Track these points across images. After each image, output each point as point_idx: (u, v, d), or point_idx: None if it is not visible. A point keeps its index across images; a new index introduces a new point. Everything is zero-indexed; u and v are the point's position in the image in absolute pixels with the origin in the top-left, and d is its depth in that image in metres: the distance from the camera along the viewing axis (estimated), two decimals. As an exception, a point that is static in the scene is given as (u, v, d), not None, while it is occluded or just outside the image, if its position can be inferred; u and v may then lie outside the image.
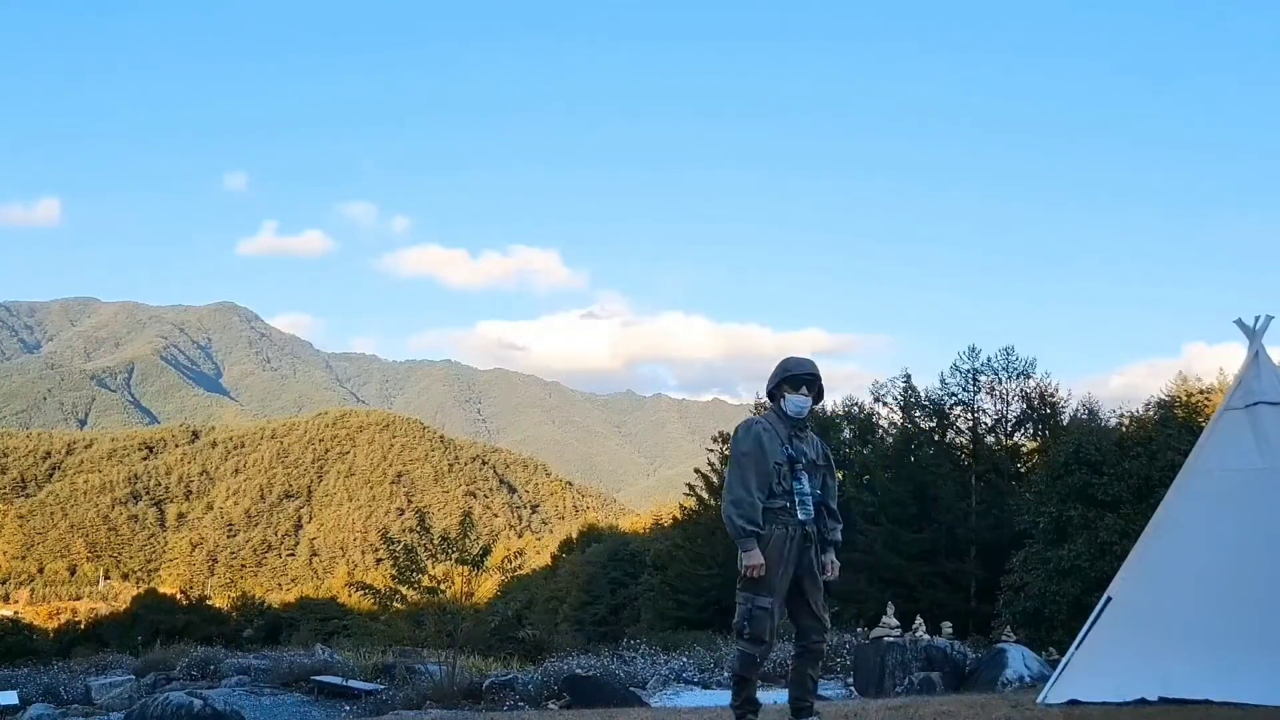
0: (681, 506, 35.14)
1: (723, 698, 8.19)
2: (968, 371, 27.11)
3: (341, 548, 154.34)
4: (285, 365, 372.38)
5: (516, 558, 14.89)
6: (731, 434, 4.71)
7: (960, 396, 27.10)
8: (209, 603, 49.54)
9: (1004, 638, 10.41)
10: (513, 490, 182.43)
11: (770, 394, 4.44)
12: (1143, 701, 4.84)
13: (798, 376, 4.37)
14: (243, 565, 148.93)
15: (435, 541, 10.14)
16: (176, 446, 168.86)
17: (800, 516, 4.19)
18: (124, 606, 49.55)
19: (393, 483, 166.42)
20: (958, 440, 27.18)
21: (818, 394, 4.44)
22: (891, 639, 8.99)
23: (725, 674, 10.42)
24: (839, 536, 4.41)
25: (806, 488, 4.23)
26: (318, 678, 10.39)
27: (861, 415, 29.92)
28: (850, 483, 27.16)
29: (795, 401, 4.33)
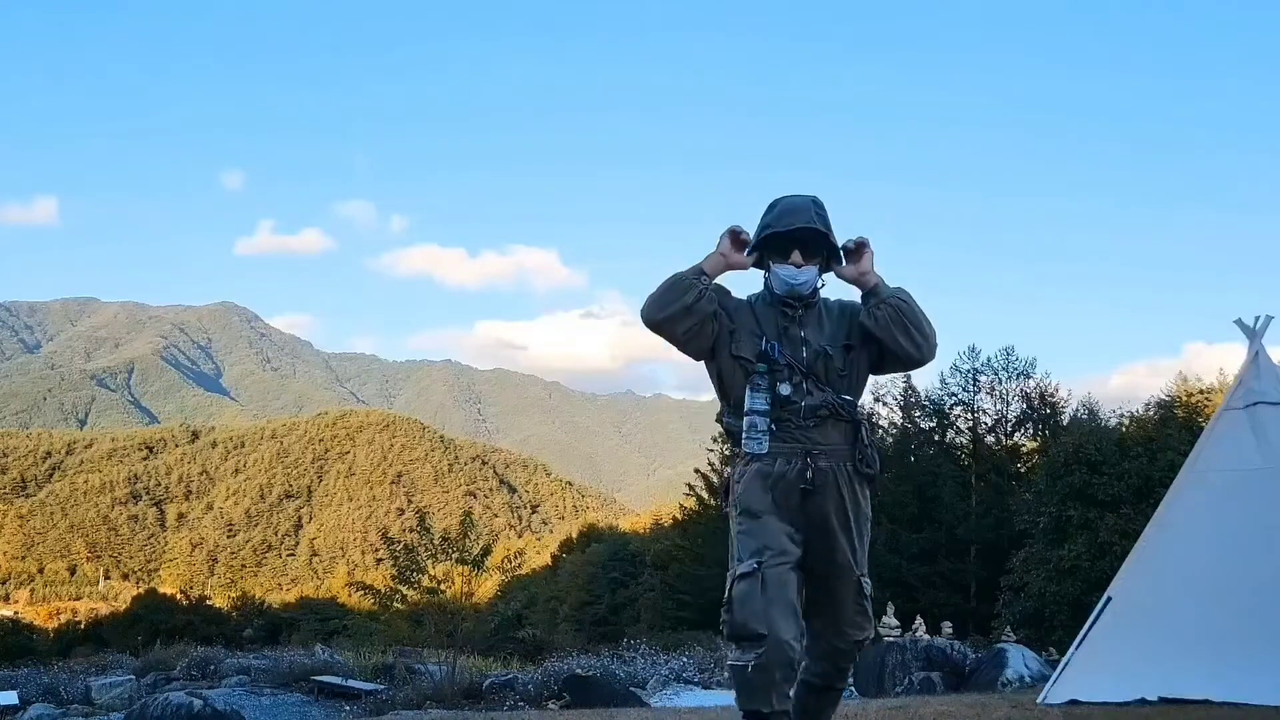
0: (681, 506, 35.12)
1: (723, 698, 8.18)
2: (968, 371, 27.13)
3: (341, 548, 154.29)
4: (285, 365, 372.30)
5: (516, 558, 14.88)
6: None
7: (960, 396, 27.11)
8: (209, 603, 49.46)
9: (1004, 638, 10.43)
10: (513, 490, 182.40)
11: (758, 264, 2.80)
12: (1143, 701, 4.84)
13: (786, 234, 2.67)
14: (243, 565, 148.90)
15: (435, 541, 10.14)
16: (176, 446, 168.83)
17: (753, 448, 2.60)
18: (124, 606, 49.49)
19: (393, 483, 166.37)
20: (958, 440, 27.18)
21: (831, 253, 2.73)
22: (891, 639, 9.00)
23: (725, 674, 10.40)
24: (875, 467, 2.70)
25: (762, 403, 2.60)
26: (318, 678, 10.38)
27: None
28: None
29: (786, 275, 2.68)
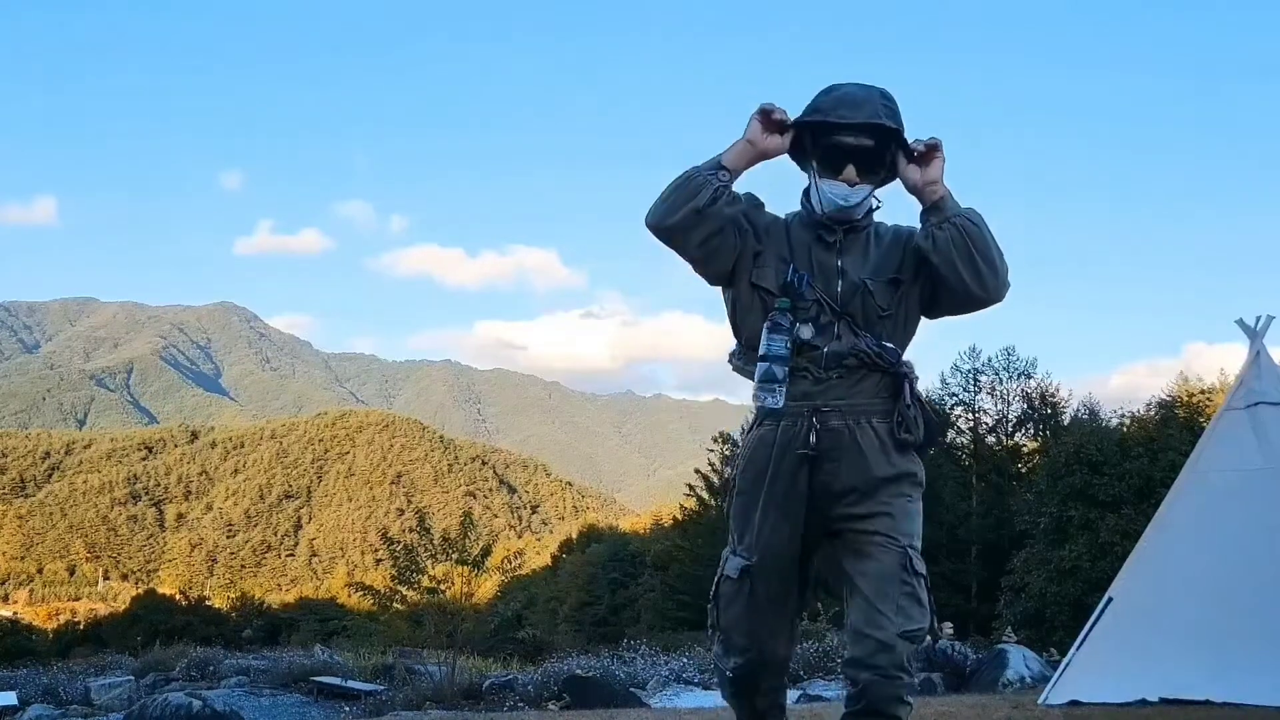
0: (682, 507, 35.14)
1: (722, 699, 8.18)
2: (968, 371, 27.14)
3: (341, 548, 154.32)
4: (285, 365, 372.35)
5: (516, 558, 14.86)
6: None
7: (961, 396, 27.13)
8: (208, 603, 49.43)
9: (1005, 638, 10.41)
10: (512, 490, 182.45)
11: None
12: (1143, 702, 4.84)
13: (838, 147, 2.06)
14: (242, 566, 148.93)
15: (435, 542, 10.13)
16: (176, 447, 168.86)
17: (767, 402, 2.04)
18: (123, 607, 49.47)
19: (392, 483, 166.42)
20: (958, 440, 27.17)
21: (890, 166, 2.10)
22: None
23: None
24: (918, 434, 2.13)
25: (781, 347, 2.02)
26: (317, 678, 10.37)
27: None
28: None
29: (833, 193, 2.08)
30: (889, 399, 2.11)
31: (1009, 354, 27.00)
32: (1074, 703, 5.08)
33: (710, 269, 2.14)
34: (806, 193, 2.16)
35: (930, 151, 2.08)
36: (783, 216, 2.20)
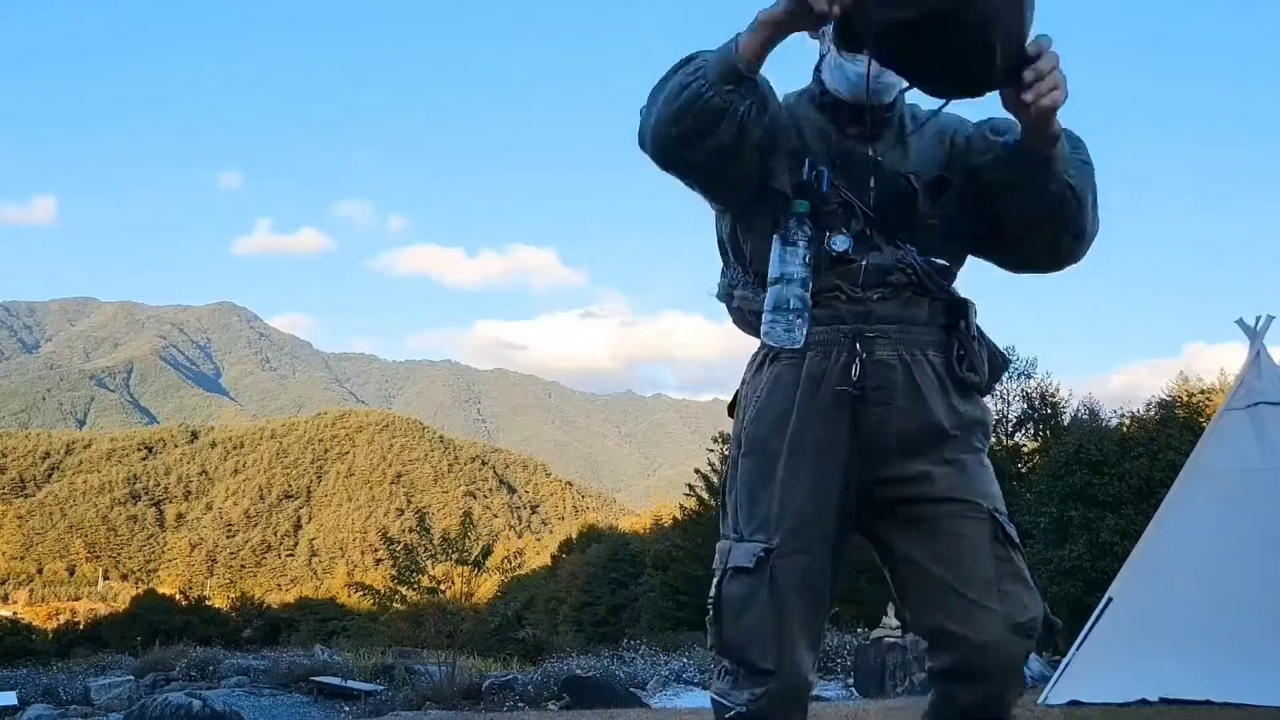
0: (682, 507, 35.12)
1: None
2: (968, 372, 27.12)
3: (341, 548, 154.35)
4: (284, 365, 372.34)
5: (516, 558, 14.87)
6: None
7: (960, 397, 27.11)
8: (208, 603, 49.44)
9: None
10: (512, 490, 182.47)
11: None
12: (1143, 702, 4.83)
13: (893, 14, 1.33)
14: (242, 566, 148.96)
15: (435, 542, 10.14)
16: (175, 447, 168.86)
17: (783, 340, 1.53)
18: (123, 607, 49.49)
19: (392, 483, 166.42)
20: (957, 440, 27.17)
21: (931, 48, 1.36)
22: (892, 640, 8.98)
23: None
24: (983, 372, 1.66)
25: (798, 267, 1.52)
26: (317, 678, 10.37)
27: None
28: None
29: (849, 67, 1.53)
30: (943, 330, 1.59)
31: (1009, 354, 26.98)
32: (1074, 703, 5.08)
33: (728, 200, 1.62)
34: (819, 68, 1.60)
35: (1042, 56, 1.38)
36: (781, 97, 1.58)
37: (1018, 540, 1.56)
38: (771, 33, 1.42)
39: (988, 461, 1.65)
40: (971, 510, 1.54)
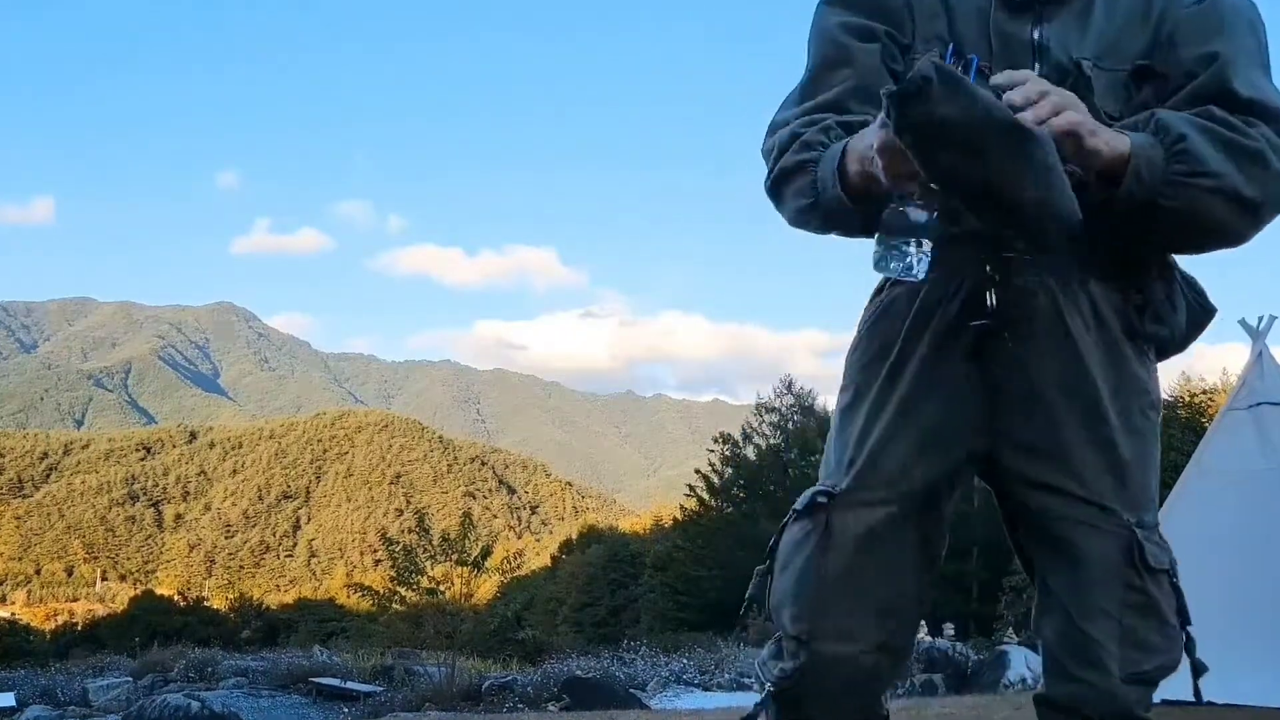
0: (682, 508, 35.11)
1: (723, 700, 8.17)
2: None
3: (340, 549, 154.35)
4: (283, 365, 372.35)
5: (516, 558, 14.88)
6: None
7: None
8: (206, 604, 49.43)
9: (1006, 639, 10.41)
10: (512, 491, 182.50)
11: None
12: (1145, 703, 4.82)
13: None
14: (240, 566, 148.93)
15: (434, 543, 10.13)
16: (174, 447, 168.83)
17: (895, 270, 1.11)
18: (121, 608, 49.47)
19: (391, 483, 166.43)
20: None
21: None
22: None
23: (726, 676, 10.39)
24: (1172, 322, 1.26)
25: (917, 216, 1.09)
26: (316, 679, 10.36)
27: None
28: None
29: None
30: (1118, 263, 1.23)
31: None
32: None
33: None
34: None
35: None
36: None
37: (1164, 563, 1.27)
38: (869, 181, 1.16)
39: (1154, 446, 1.27)
40: (1108, 521, 1.22)
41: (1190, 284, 1.28)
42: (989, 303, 1.21)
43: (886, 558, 1.23)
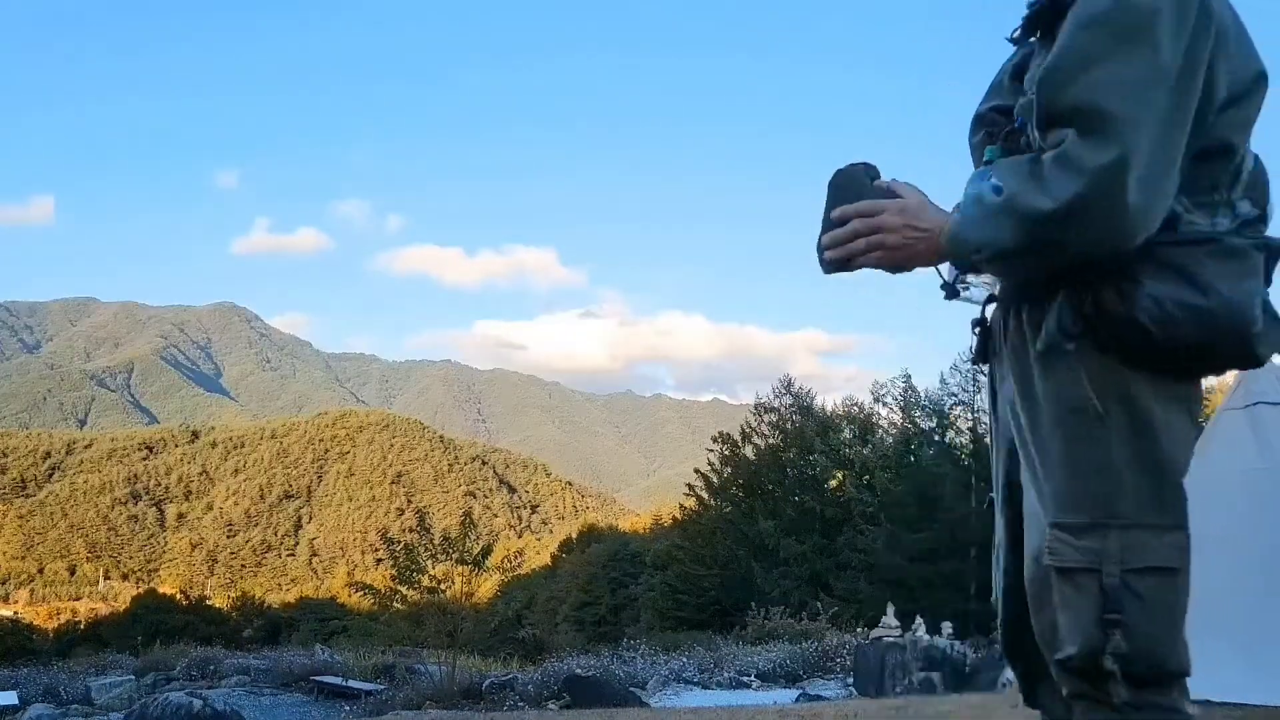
0: (681, 507, 35.11)
1: (723, 698, 8.20)
2: (968, 371, 27.11)
3: (341, 548, 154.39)
4: (285, 365, 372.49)
5: (516, 558, 14.89)
6: None
7: (960, 396, 27.10)
8: (209, 603, 49.45)
9: (1004, 638, 10.39)
10: (512, 490, 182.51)
11: None
12: (1143, 702, 4.83)
13: None
14: (242, 565, 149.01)
15: (435, 542, 10.15)
16: (176, 447, 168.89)
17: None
18: (124, 607, 49.50)
19: (392, 483, 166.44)
20: (958, 440, 27.17)
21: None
22: (892, 639, 9.00)
23: (725, 674, 10.42)
24: (1062, 331, 1.29)
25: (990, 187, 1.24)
26: (318, 678, 10.39)
27: (861, 415, 29.93)
28: (850, 483, 27.17)
29: None
30: (1036, 284, 1.32)
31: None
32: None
33: None
34: None
35: None
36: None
37: (1069, 561, 1.28)
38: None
39: (1088, 445, 1.28)
40: (1033, 521, 1.36)
41: (1193, 281, 1.22)
42: (973, 343, 1.49)
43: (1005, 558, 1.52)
